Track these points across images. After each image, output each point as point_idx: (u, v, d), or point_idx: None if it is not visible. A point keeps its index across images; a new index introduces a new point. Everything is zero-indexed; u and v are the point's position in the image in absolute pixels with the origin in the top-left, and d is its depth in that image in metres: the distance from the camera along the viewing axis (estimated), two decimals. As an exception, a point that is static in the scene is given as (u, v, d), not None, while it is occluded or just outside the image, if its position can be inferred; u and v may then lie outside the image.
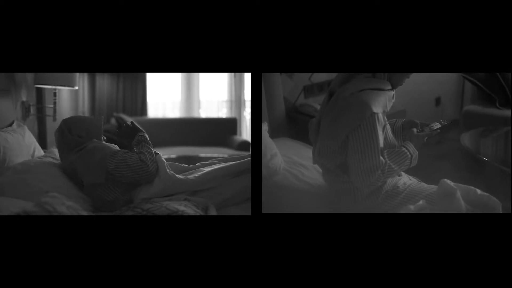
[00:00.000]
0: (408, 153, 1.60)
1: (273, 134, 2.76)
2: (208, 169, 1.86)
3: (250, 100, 1.75)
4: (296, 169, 2.14)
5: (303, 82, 3.22)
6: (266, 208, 1.65)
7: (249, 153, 1.91)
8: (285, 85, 3.10)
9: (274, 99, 3.01)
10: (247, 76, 5.57)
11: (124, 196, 1.79)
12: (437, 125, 1.71)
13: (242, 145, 4.83)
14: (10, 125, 2.40)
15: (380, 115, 1.55)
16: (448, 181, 1.52)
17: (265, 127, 2.31)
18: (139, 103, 5.54)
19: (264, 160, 2.05)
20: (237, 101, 5.74)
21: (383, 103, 1.58)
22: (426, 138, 1.67)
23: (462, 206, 1.45)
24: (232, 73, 5.62)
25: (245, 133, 5.60)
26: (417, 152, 1.62)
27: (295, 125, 3.09)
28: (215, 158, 2.14)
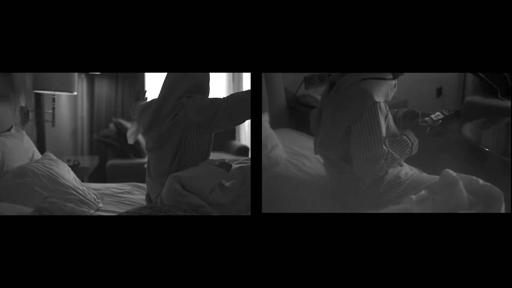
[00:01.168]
0: (408, 141, 1.59)
1: (274, 125, 2.75)
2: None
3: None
4: (297, 160, 2.14)
5: (304, 73, 3.21)
6: (267, 200, 1.64)
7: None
8: (285, 76, 3.09)
9: (275, 90, 3.00)
10: (245, 80, 5.52)
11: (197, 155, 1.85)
12: (438, 115, 1.70)
13: (241, 150, 4.84)
14: (9, 130, 2.39)
15: (382, 104, 1.55)
16: (451, 171, 1.51)
17: (266, 118, 2.31)
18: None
19: (265, 151, 2.05)
20: (235, 106, 5.71)
21: (384, 92, 1.57)
22: (428, 129, 1.66)
23: (464, 196, 1.44)
24: (231, 78, 5.59)
25: (244, 138, 5.57)
26: (417, 141, 1.61)
27: (296, 116, 3.08)
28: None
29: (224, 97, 1.88)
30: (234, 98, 1.84)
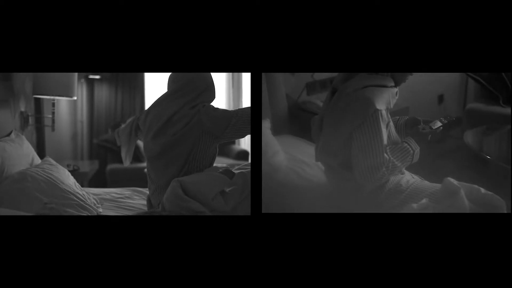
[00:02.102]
0: (410, 148, 1.59)
1: (276, 131, 2.74)
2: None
3: (250, 102, 1.78)
4: (298, 167, 2.13)
5: (306, 79, 3.21)
6: (268, 206, 1.64)
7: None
8: (287, 82, 3.09)
9: (277, 96, 3.00)
10: (245, 84, 5.53)
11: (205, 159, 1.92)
12: (438, 124, 1.70)
13: (241, 155, 4.85)
14: (8, 135, 2.38)
15: (384, 112, 1.54)
16: (452, 180, 1.51)
17: (267, 124, 2.30)
18: (138, 113, 5.48)
19: (265, 157, 2.04)
20: (235, 110, 5.70)
21: (386, 99, 1.56)
22: (430, 136, 1.66)
23: (465, 205, 1.44)
24: (230, 82, 5.60)
25: (244, 142, 5.58)
26: (419, 148, 1.61)
27: (298, 122, 3.07)
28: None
29: (235, 110, 1.97)
30: (244, 112, 1.92)
